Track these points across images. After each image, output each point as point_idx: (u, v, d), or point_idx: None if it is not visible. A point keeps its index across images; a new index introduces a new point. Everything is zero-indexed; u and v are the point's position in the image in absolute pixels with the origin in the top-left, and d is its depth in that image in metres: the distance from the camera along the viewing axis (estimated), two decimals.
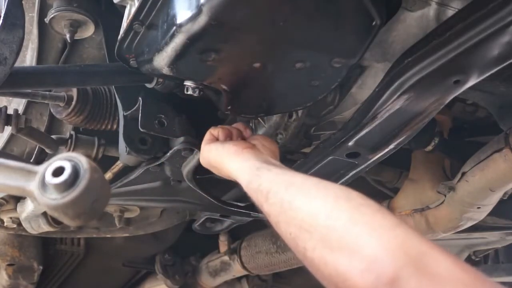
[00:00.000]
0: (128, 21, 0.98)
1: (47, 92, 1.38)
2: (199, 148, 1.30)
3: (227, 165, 1.05)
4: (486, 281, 0.57)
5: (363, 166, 1.29)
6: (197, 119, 1.44)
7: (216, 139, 1.15)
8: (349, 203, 0.72)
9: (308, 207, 0.76)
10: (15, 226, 1.94)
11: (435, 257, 0.60)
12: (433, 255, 0.60)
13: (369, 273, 0.61)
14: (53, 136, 1.52)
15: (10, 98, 1.51)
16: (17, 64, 1.06)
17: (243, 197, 1.63)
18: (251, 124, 1.43)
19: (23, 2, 1.07)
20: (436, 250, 0.61)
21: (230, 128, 1.19)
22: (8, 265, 2.29)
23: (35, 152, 1.61)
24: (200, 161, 1.18)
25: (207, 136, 1.18)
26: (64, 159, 0.56)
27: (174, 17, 0.89)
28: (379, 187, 2.00)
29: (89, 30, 1.34)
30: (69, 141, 1.52)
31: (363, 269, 0.62)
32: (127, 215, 2.04)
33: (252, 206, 1.64)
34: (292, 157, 1.52)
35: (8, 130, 1.40)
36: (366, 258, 0.63)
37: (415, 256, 0.60)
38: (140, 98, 1.34)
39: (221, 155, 1.08)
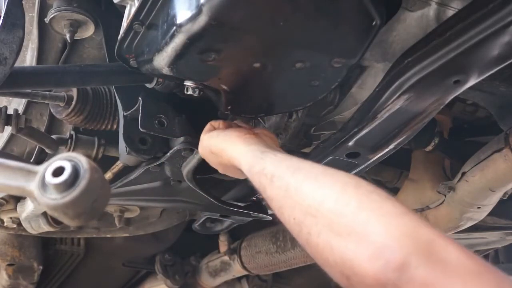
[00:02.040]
0: (128, 21, 0.98)
1: (47, 92, 1.38)
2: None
3: (229, 150, 1.03)
4: (493, 270, 0.57)
5: (363, 166, 1.29)
6: (197, 119, 1.44)
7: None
8: (358, 190, 0.71)
9: (315, 193, 0.74)
10: (15, 226, 1.94)
11: (443, 245, 0.59)
12: (441, 243, 0.60)
13: (377, 259, 0.60)
14: (53, 136, 1.52)
15: (10, 98, 1.51)
16: (17, 64, 1.06)
17: (243, 197, 1.63)
18: (251, 124, 1.43)
19: (23, 2, 1.07)
20: (444, 239, 0.60)
21: (230, 122, 1.19)
22: (8, 265, 2.30)
23: (35, 152, 1.61)
24: (199, 150, 1.17)
25: (207, 127, 1.16)
26: (64, 159, 0.56)
27: (174, 17, 0.89)
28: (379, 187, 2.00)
29: (89, 30, 1.34)
30: (69, 141, 1.52)
31: (371, 255, 0.61)
32: (127, 215, 2.04)
33: (252, 206, 1.64)
34: None
35: (8, 130, 1.40)
36: (375, 244, 0.62)
37: (424, 243, 0.60)
38: (140, 98, 1.34)
39: (223, 140, 1.06)
